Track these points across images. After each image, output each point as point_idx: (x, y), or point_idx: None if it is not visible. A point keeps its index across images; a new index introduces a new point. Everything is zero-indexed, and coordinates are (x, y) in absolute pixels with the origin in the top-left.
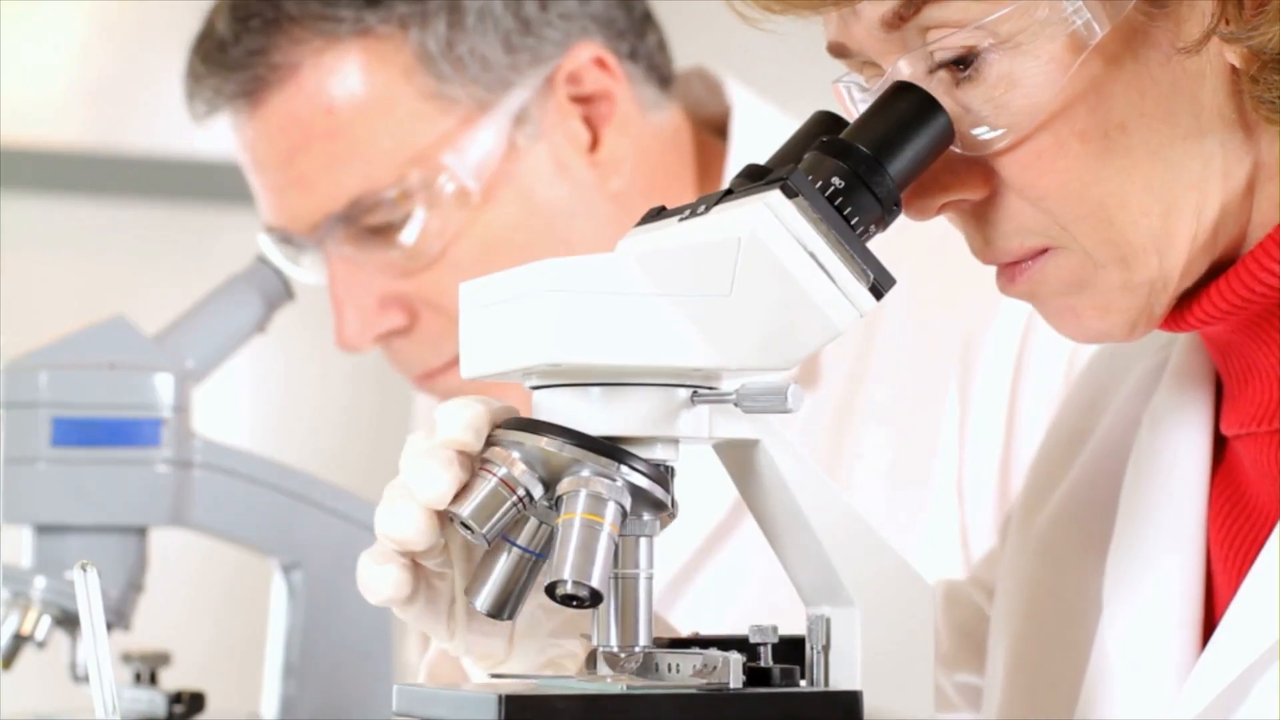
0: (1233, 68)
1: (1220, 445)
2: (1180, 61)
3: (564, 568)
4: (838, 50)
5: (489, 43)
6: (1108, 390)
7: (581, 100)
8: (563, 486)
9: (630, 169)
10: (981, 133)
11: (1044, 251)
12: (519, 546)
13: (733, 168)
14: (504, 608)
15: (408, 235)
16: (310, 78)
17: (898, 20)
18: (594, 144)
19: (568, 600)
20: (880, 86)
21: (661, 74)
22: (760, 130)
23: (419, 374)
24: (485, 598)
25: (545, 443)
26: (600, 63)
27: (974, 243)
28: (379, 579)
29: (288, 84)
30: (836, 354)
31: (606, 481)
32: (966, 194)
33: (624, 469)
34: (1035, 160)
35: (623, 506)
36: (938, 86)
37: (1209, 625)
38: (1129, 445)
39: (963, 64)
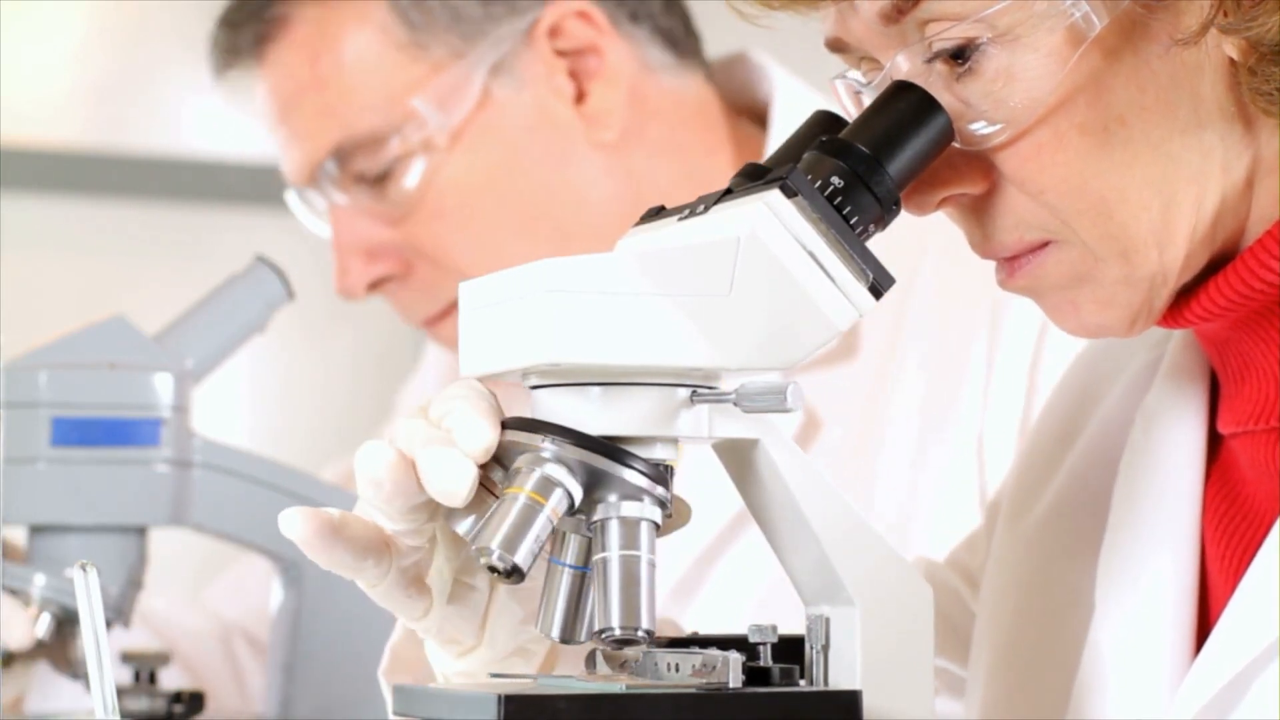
0: (1231, 60)
1: (1214, 443)
2: (1179, 54)
3: (492, 537)
4: (835, 46)
5: None
6: (1098, 388)
7: (567, 54)
8: (518, 462)
9: (621, 122)
10: (980, 127)
11: (1044, 245)
12: (569, 565)
13: (772, 149)
14: (575, 630)
15: (388, 181)
16: (299, 30)
17: (896, 14)
18: (580, 97)
19: (492, 569)
20: (878, 81)
21: (673, 38)
22: (802, 117)
23: (423, 319)
24: (556, 625)
25: (545, 443)
26: (583, 15)
27: (973, 238)
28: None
29: (281, 37)
30: (873, 328)
31: (561, 469)
32: (966, 189)
33: (570, 449)
34: (1035, 154)
35: (570, 494)
36: (936, 81)
37: (1203, 624)
38: (1121, 444)
39: (961, 58)
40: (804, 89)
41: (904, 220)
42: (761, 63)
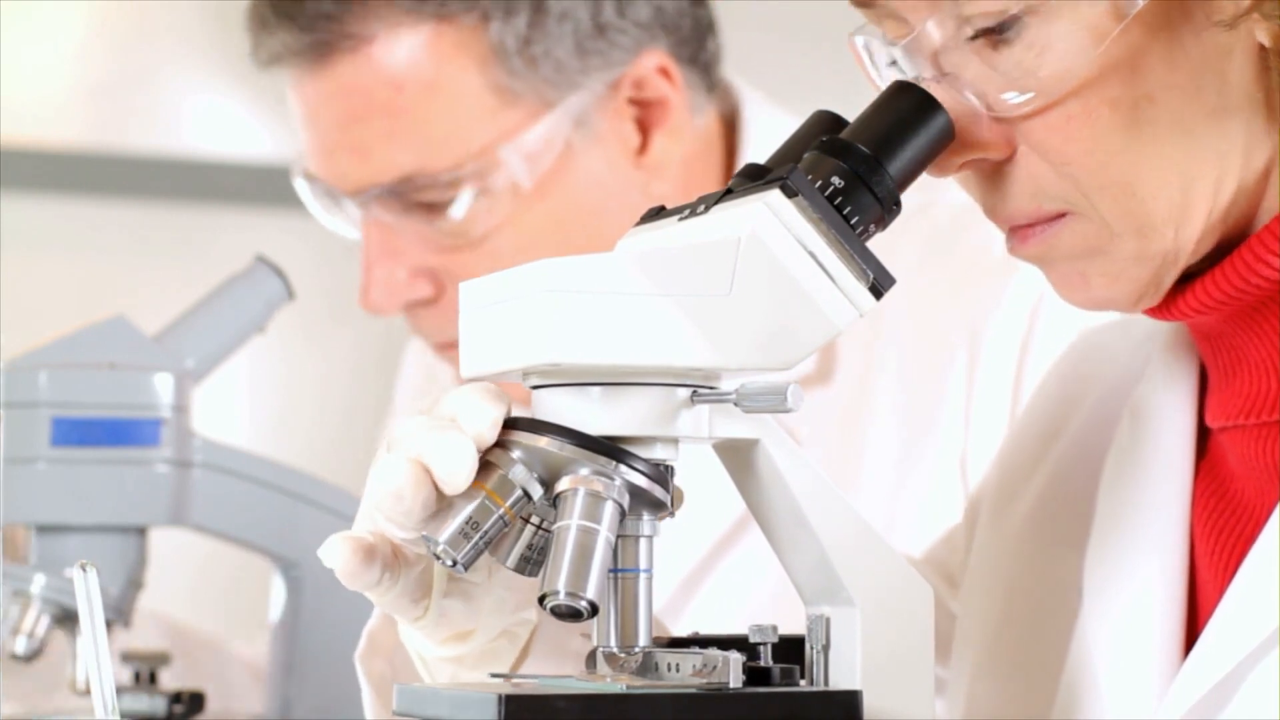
0: (1261, 46)
1: (1201, 437)
2: (1212, 36)
3: (440, 530)
4: (862, 0)
5: (564, 45)
6: (1081, 388)
7: (637, 103)
8: (489, 456)
9: (674, 175)
10: (1010, 96)
11: (1060, 216)
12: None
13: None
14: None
15: (452, 217)
16: (383, 51)
17: None
18: (643, 147)
19: (436, 557)
20: (907, 43)
21: (711, 80)
22: (769, 133)
23: (439, 343)
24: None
25: (545, 442)
26: (664, 71)
27: (987, 203)
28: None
29: (358, 53)
30: (848, 348)
31: (522, 471)
32: (988, 154)
33: (518, 453)
34: (1063, 125)
35: (529, 495)
36: (966, 46)
37: (1191, 619)
38: (1104, 441)
39: (998, 29)
40: (770, 105)
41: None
42: (728, 80)
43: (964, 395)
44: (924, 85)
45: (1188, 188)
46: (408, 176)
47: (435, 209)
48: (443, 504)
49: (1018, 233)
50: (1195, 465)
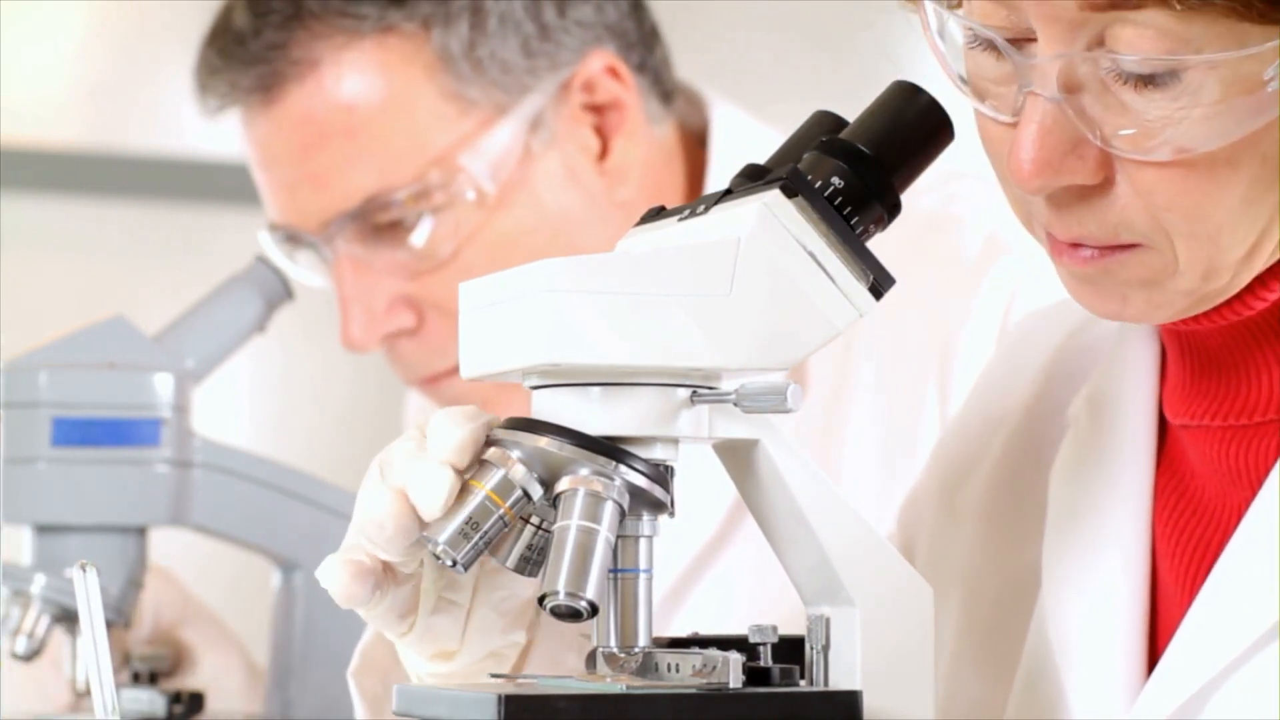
0: None
1: (1159, 430)
2: None
3: (441, 531)
4: None
5: (509, 46)
6: (1024, 370)
7: (593, 109)
8: (488, 455)
9: (637, 179)
10: (1133, 133)
11: (1132, 246)
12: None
13: (713, 179)
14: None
15: (420, 236)
16: (330, 74)
17: (1107, 5)
18: (603, 153)
19: (436, 557)
20: (1041, 62)
21: (665, 88)
22: (741, 142)
23: (422, 377)
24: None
25: (545, 443)
26: (613, 71)
27: (1044, 215)
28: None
29: (306, 80)
30: (819, 365)
31: (522, 471)
32: (1085, 180)
33: (518, 453)
34: (1181, 178)
35: (529, 495)
36: (1100, 76)
37: (1153, 624)
38: (1053, 428)
39: (1145, 77)
40: (739, 113)
41: None
42: (699, 90)
43: (939, 413)
44: (1030, 99)
45: (1261, 241)
46: (372, 196)
47: (403, 230)
48: (425, 528)
49: (1076, 250)
50: (1155, 459)
